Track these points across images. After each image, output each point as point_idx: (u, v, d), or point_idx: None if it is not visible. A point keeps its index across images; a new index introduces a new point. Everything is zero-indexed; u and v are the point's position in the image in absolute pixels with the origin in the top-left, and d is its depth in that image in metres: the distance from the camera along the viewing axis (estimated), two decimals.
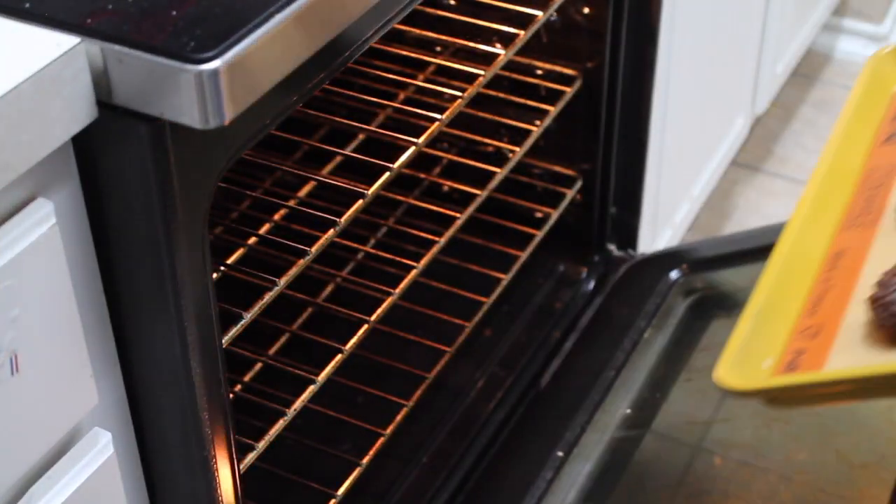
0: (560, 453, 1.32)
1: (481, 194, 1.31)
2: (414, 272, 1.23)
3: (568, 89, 1.44)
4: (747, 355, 1.01)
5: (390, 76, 1.36)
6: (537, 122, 1.41)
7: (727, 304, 1.53)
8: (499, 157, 1.42)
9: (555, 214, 1.49)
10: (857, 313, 1.00)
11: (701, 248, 1.64)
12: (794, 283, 1.08)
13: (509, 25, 1.30)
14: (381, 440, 1.22)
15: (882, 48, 1.26)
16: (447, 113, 1.17)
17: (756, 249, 1.52)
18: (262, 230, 1.23)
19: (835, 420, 1.38)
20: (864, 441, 1.36)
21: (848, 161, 1.19)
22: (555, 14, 1.41)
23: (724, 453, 1.40)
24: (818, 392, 1.00)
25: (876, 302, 0.97)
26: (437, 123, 1.16)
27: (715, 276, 1.55)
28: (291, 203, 1.28)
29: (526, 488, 1.29)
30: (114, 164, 0.74)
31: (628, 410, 1.39)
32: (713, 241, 1.81)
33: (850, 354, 0.98)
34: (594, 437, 1.36)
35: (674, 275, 1.53)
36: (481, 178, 1.33)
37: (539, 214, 1.51)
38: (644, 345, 1.46)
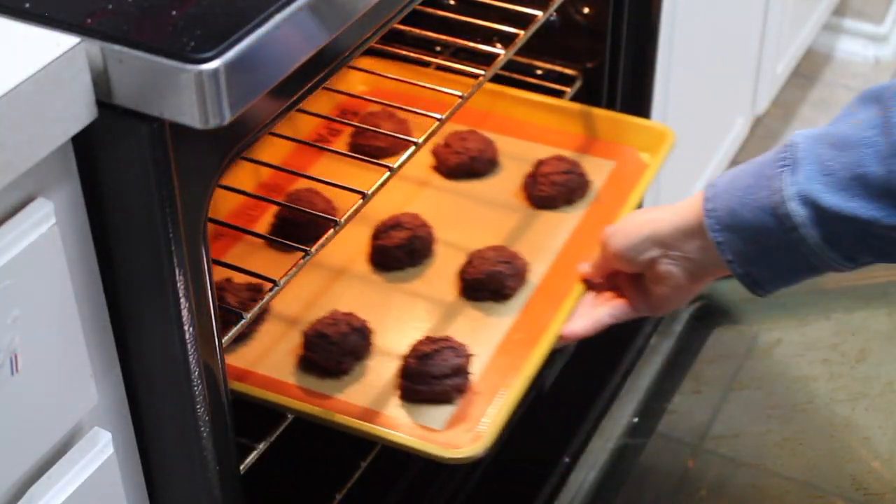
0: (567, 459, 1.32)
1: None
2: None
3: (568, 89, 1.44)
4: None
5: (390, 76, 1.35)
6: None
7: (730, 315, 1.52)
8: None
9: None
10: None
11: None
12: None
13: (509, 25, 1.30)
14: None
15: None
16: (447, 113, 1.17)
17: None
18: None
19: (845, 445, 1.38)
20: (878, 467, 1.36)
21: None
22: (555, 14, 1.41)
23: (727, 462, 1.40)
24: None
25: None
26: (437, 123, 1.16)
27: (720, 284, 1.55)
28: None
29: (532, 493, 1.29)
30: (114, 164, 0.74)
31: (635, 419, 1.39)
32: None
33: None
34: (599, 444, 1.36)
35: None
36: None
37: None
38: (650, 351, 1.45)
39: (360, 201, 1.07)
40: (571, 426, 1.35)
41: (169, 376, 0.83)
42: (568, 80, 1.45)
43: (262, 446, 1.07)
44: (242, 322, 0.99)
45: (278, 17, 0.73)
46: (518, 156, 1.36)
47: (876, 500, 1.32)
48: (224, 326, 0.92)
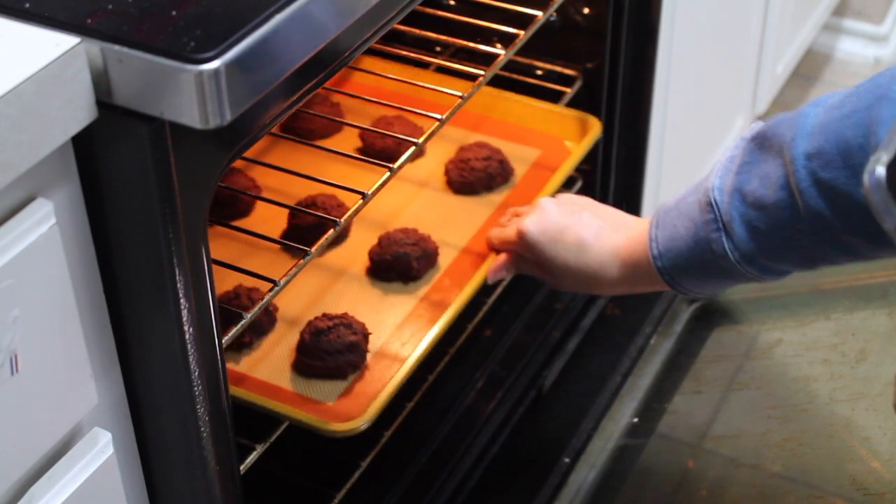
0: (567, 459, 1.32)
1: None
2: None
3: (568, 89, 1.44)
4: None
5: (390, 76, 1.36)
6: None
7: (730, 315, 1.52)
8: None
9: None
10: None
11: None
12: None
13: (509, 25, 1.30)
14: (380, 440, 1.22)
15: None
16: (447, 113, 1.17)
17: None
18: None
19: (845, 445, 1.38)
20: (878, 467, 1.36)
21: None
22: (555, 14, 1.41)
23: (727, 462, 1.40)
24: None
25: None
26: (437, 123, 1.16)
27: None
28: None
29: (531, 493, 1.29)
30: (114, 164, 0.74)
31: (635, 419, 1.39)
32: None
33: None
34: (599, 445, 1.35)
35: None
36: None
37: None
38: (649, 351, 1.45)
39: (361, 201, 1.07)
40: (571, 426, 1.35)
41: (169, 376, 0.83)
42: (568, 81, 1.45)
43: (261, 447, 1.07)
44: (243, 322, 0.99)
45: (278, 18, 0.73)
46: (445, 142, 1.37)
47: (876, 500, 1.32)
48: (224, 327, 0.92)
